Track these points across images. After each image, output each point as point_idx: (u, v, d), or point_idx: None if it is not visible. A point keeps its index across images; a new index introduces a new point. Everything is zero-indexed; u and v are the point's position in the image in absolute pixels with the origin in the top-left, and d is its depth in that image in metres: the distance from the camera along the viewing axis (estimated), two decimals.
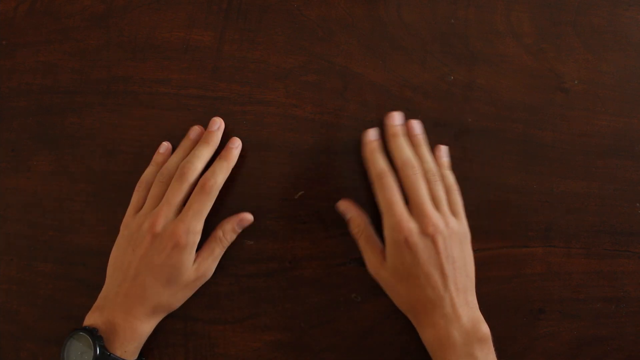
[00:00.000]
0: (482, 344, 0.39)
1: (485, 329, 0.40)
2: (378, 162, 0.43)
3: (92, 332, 0.40)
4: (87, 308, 0.43)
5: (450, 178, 0.44)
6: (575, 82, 0.47)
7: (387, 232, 0.41)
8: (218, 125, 0.46)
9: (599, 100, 0.47)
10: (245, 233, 0.46)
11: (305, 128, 0.47)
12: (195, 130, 0.46)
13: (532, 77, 0.47)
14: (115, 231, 0.46)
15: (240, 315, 0.46)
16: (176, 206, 0.42)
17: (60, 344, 0.41)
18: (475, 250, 0.45)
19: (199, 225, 0.42)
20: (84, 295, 0.46)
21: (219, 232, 0.44)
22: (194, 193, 0.43)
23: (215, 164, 0.44)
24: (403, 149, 0.43)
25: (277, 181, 0.46)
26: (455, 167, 0.46)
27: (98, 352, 0.39)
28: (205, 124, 0.47)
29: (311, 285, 0.46)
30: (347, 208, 0.45)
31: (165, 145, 0.47)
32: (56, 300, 0.47)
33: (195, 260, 0.43)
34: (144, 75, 0.48)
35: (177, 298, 0.43)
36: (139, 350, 0.43)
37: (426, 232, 0.40)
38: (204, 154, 0.44)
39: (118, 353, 0.40)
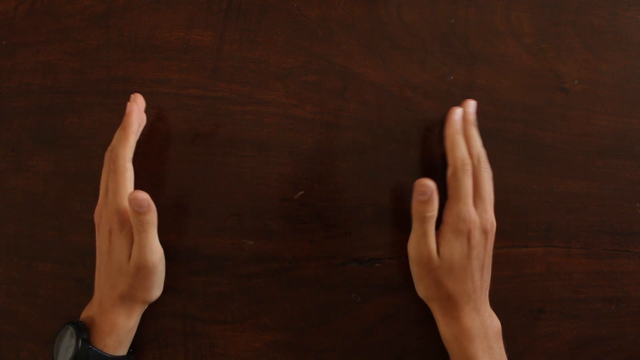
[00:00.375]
0: (497, 337, 0.41)
1: (498, 323, 0.42)
2: (462, 148, 0.44)
3: (77, 326, 0.41)
4: (91, 306, 0.43)
5: (488, 166, 0.45)
6: (575, 82, 0.47)
7: (451, 220, 0.42)
8: (130, 107, 0.45)
9: (599, 100, 0.47)
10: (246, 233, 0.46)
11: (305, 128, 0.47)
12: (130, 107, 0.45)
13: (532, 77, 0.47)
14: None
15: (240, 315, 0.46)
16: (104, 194, 0.43)
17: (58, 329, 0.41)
18: None
19: (123, 201, 0.41)
20: (84, 295, 0.46)
21: (131, 220, 0.42)
22: (109, 175, 0.43)
23: (114, 137, 0.44)
24: (477, 139, 0.44)
25: (277, 181, 0.46)
26: None
27: (80, 345, 0.40)
28: (205, 124, 0.47)
29: (311, 285, 0.46)
30: (430, 187, 0.41)
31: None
32: (56, 300, 0.47)
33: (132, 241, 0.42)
34: (144, 75, 0.48)
35: (135, 287, 0.42)
36: (124, 345, 0.43)
37: (485, 228, 0.42)
38: (128, 138, 0.44)
39: (99, 346, 0.41)
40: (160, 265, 0.43)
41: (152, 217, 0.41)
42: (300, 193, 0.46)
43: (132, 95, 0.46)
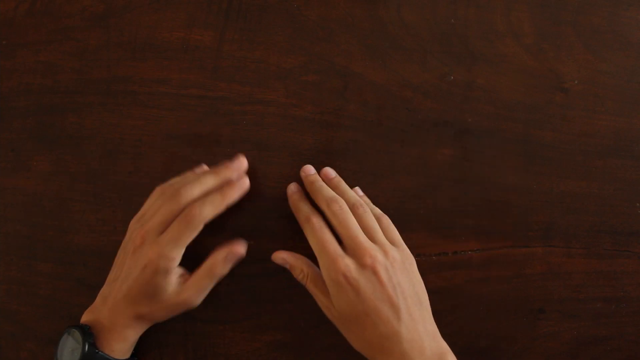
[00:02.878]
0: None
1: (452, 359, 0.38)
2: (302, 208, 0.42)
3: (84, 329, 0.40)
4: (87, 308, 0.43)
5: (377, 209, 0.44)
6: (575, 82, 0.47)
7: (324, 274, 0.39)
8: (238, 164, 0.45)
9: (599, 100, 0.47)
10: (246, 233, 0.46)
11: (305, 128, 0.47)
12: (229, 169, 0.44)
13: (532, 77, 0.47)
14: (115, 231, 0.46)
15: (240, 315, 0.46)
16: (161, 224, 0.41)
17: (63, 331, 0.41)
18: (475, 250, 0.45)
19: (173, 252, 0.40)
20: (84, 295, 0.46)
21: (209, 262, 0.42)
22: (177, 219, 0.41)
23: (209, 195, 0.42)
24: (323, 189, 0.42)
25: (277, 181, 0.46)
26: (455, 167, 0.46)
27: (87, 348, 0.39)
28: (205, 124, 0.47)
29: None
30: (284, 258, 0.43)
31: (204, 168, 0.46)
32: (56, 300, 0.47)
33: (180, 284, 0.42)
34: (144, 75, 0.48)
35: (157, 314, 0.42)
36: (130, 351, 0.43)
37: (364, 264, 0.38)
38: (208, 182, 0.43)
39: (106, 351, 0.40)
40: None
41: (225, 268, 0.43)
42: None
43: (243, 161, 0.45)
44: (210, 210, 0.41)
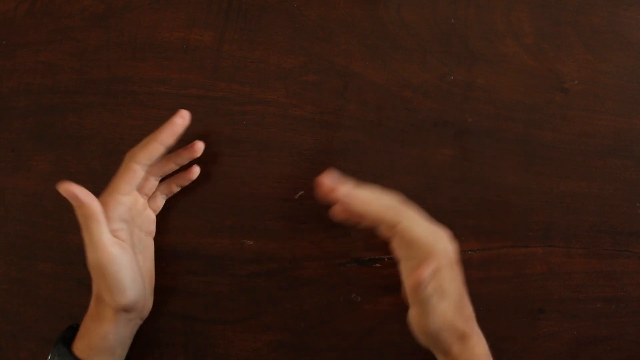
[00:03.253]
0: None
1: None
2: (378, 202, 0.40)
3: (70, 328, 0.41)
4: (87, 308, 0.43)
5: None
6: (575, 82, 0.47)
7: (441, 251, 0.38)
8: (177, 119, 0.43)
9: (599, 100, 0.47)
10: (246, 233, 0.46)
11: (305, 128, 0.47)
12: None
13: (532, 77, 0.47)
14: None
15: (240, 315, 0.46)
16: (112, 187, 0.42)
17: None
18: (475, 250, 0.45)
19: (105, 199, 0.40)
20: (84, 295, 0.46)
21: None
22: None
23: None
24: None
25: (277, 181, 0.46)
26: (455, 167, 0.46)
27: (57, 349, 0.39)
28: (205, 124, 0.47)
29: (311, 285, 0.46)
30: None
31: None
32: (56, 300, 0.47)
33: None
34: (144, 75, 0.48)
35: (99, 287, 0.40)
36: (97, 355, 0.40)
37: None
38: (154, 147, 0.42)
39: (76, 352, 0.40)
40: (114, 264, 0.39)
41: (90, 211, 0.39)
42: (300, 193, 0.46)
43: (183, 112, 0.43)
44: (136, 146, 0.41)
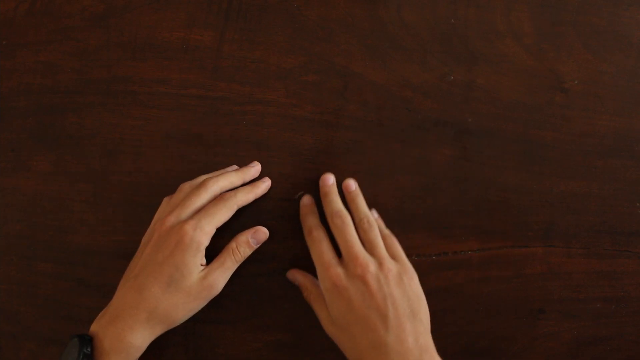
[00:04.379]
0: None
1: None
2: (308, 221, 0.44)
3: (83, 339, 0.38)
4: (87, 308, 0.43)
5: (387, 230, 0.44)
6: (575, 82, 0.47)
7: (321, 285, 0.41)
8: (255, 166, 0.46)
9: (599, 100, 0.47)
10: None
11: (305, 128, 0.47)
12: (233, 167, 0.47)
13: (532, 77, 0.47)
14: (116, 231, 0.46)
15: (240, 315, 0.46)
16: (190, 211, 0.41)
17: (60, 344, 0.41)
18: (475, 250, 0.45)
19: (208, 227, 0.40)
20: (84, 295, 0.46)
21: (232, 244, 0.43)
22: (212, 202, 0.42)
23: (242, 187, 0.44)
24: (332, 203, 0.43)
25: (277, 181, 0.46)
26: (455, 167, 0.46)
27: (81, 358, 0.37)
28: (205, 124, 0.47)
29: None
30: (294, 276, 0.45)
31: (234, 167, 0.46)
32: (56, 300, 0.47)
33: (203, 270, 0.41)
34: (144, 75, 0.48)
35: (177, 307, 0.40)
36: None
37: (354, 273, 0.39)
38: (233, 178, 0.44)
39: None
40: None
41: (248, 250, 0.44)
42: (300, 193, 0.46)
43: (258, 166, 0.46)
44: (242, 196, 0.43)
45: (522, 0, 0.48)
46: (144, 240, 0.43)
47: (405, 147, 0.46)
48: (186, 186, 0.44)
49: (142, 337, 0.39)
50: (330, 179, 0.45)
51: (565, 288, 0.45)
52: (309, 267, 0.46)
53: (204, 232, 0.40)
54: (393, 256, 0.42)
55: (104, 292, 0.45)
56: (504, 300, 0.45)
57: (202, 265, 0.41)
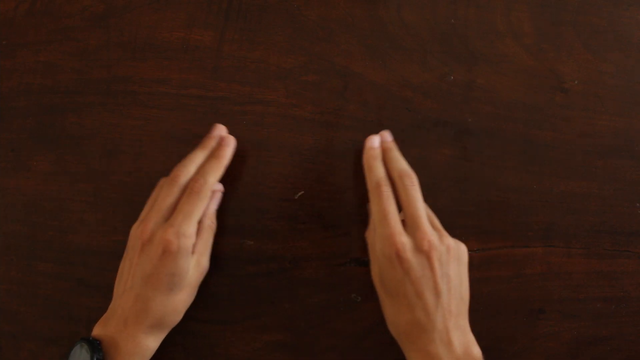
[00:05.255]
0: None
1: (477, 352, 0.38)
2: (377, 170, 0.42)
3: (94, 345, 0.38)
4: (87, 308, 0.43)
5: None
6: (575, 82, 0.47)
7: (378, 244, 0.40)
8: (217, 131, 0.45)
9: (599, 100, 0.47)
10: (246, 233, 0.46)
11: (305, 128, 0.47)
12: (217, 129, 0.46)
13: (532, 77, 0.47)
14: (115, 231, 0.46)
15: (240, 315, 0.46)
16: (165, 211, 0.40)
17: (60, 344, 0.41)
18: (475, 250, 0.45)
19: (190, 228, 0.40)
20: (84, 295, 0.46)
21: (206, 221, 0.43)
22: (184, 196, 0.41)
23: (205, 163, 0.43)
24: (399, 160, 0.43)
25: (277, 181, 0.46)
26: (455, 167, 0.46)
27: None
28: (205, 124, 0.47)
29: (311, 285, 0.46)
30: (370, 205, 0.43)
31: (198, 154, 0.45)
32: (56, 300, 0.47)
33: (193, 257, 0.41)
34: (144, 75, 0.48)
35: (183, 302, 0.41)
36: None
37: (421, 248, 0.38)
38: (198, 157, 0.43)
39: None
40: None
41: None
42: (300, 193, 0.46)
43: (221, 129, 0.45)
44: (212, 176, 0.42)
45: (522, 0, 0.48)
46: (129, 243, 0.42)
47: (405, 147, 0.46)
48: (161, 180, 0.44)
49: (156, 339, 0.41)
50: (389, 135, 0.45)
51: (565, 288, 0.45)
52: (310, 267, 0.46)
53: (187, 235, 0.40)
54: (422, 225, 0.41)
55: (104, 292, 0.45)
56: (504, 300, 0.45)
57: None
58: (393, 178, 0.42)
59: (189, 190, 0.41)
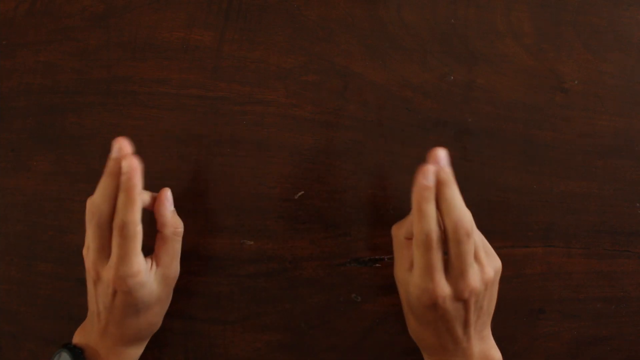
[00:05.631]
0: None
1: (496, 356, 0.39)
2: (429, 219, 0.36)
3: (76, 354, 0.38)
4: (87, 308, 0.43)
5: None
6: (575, 82, 0.47)
7: (414, 291, 0.37)
8: (117, 151, 0.39)
9: (599, 100, 0.47)
10: (246, 233, 0.46)
11: (305, 128, 0.47)
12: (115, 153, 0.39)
13: (532, 77, 0.47)
14: None
15: (240, 315, 0.46)
16: (101, 251, 0.38)
17: (60, 344, 0.41)
18: None
19: (133, 267, 0.37)
20: (84, 295, 0.46)
21: (169, 229, 0.41)
22: (113, 238, 0.37)
23: (118, 199, 0.38)
24: (455, 204, 0.36)
25: (277, 181, 0.46)
26: (455, 167, 0.46)
27: None
28: (205, 124, 0.47)
29: (311, 285, 0.46)
30: (402, 228, 0.41)
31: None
32: (56, 300, 0.47)
33: (157, 272, 0.40)
34: (144, 75, 0.48)
35: (158, 315, 0.42)
36: None
37: (461, 297, 0.37)
38: (106, 185, 0.38)
39: None
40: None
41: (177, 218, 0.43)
42: (300, 193, 0.46)
43: (119, 143, 0.39)
44: (129, 214, 0.37)
45: (522, 0, 0.48)
46: (88, 275, 0.41)
47: (405, 147, 0.46)
48: (87, 209, 0.39)
49: (137, 348, 0.42)
50: (444, 157, 0.38)
51: (565, 288, 0.45)
52: (310, 267, 0.46)
53: (133, 274, 0.37)
54: (487, 252, 0.39)
55: None
56: (504, 300, 0.45)
57: (149, 270, 0.40)
58: (445, 225, 0.37)
59: (114, 232, 0.37)
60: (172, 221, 0.41)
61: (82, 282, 0.46)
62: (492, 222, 0.46)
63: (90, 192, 0.47)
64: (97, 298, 0.40)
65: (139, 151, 0.47)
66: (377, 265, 0.46)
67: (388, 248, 0.46)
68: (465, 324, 0.38)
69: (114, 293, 0.38)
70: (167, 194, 0.42)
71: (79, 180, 0.47)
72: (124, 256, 0.37)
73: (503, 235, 0.46)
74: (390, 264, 0.45)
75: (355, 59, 0.47)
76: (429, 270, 0.36)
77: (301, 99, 0.47)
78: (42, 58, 0.49)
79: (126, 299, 0.38)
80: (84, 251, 0.40)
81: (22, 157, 0.48)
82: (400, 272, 0.41)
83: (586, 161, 0.46)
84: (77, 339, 0.41)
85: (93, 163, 0.47)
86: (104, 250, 0.38)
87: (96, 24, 0.49)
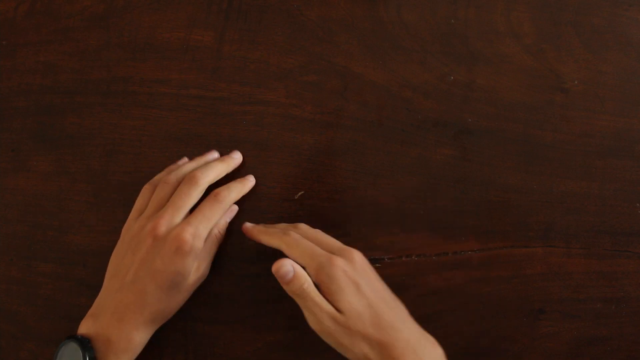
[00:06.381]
0: None
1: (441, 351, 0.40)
2: (273, 229, 0.42)
3: (83, 343, 0.38)
4: (87, 308, 0.43)
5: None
6: (575, 82, 0.47)
7: (323, 276, 0.38)
8: (237, 156, 0.46)
9: (599, 100, 0.47)
10: None
11: (305, 128, 0.47)
12: (212, 153, 0.46)
13: (532, 77, 0.47)
14: (116, 231, 0.46)
15: (240, 315, 0.46)
16: (183, 210, 0.41)
17: (60, 344, 0.41)
18: (475, 250, 0.45)
19: (205, 232, 0.41)
20: (84, 295, 0.46)
21: (215, 230, 0.43)
22: (205, 200, 0.42)
23: (231, 183, 0.44)
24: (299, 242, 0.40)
25: (277, 181, 0.46)
26: (455, 167, 0.46)
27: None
28: (205, 124, 0.47)
29: None
30: (287, 267, 0.39)
31: (185, 159, 0.46)
32: (56, 300, 0.47)
33: (198, 259, 0.42)
34: (144, 75, 0.48)
35: (178, 304, 0.42)
36: (134, 358, 0.41)
37: (352, 262, 0.39)
38: (219, 168, 0.44)
39: None
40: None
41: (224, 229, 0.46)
42: (300, 193, 0.46)
43: (240, 156, 0.46)
44: (235, 195, 0.43)
45: (522, 0, 0.48)
46: (127, 236, 0.42)
47: (405, 147, 0.46)
48: (171, 178, 0.43)
49: (146, 335, 0.41)
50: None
51: (565, 288, 0.45)
52: None
53: (201, 238, 0.41)
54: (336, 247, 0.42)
55: None
56: (504, 300, 0.45)
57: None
58: (281, 248, 0.41)
59: (214, 196, 0.42)
60: (222, 226, 0.44)
61: (82, 282, 0.46)
62: (492, 222, 0.46)
63: (91, 192, 0.47)
64: (142, 263, 0.40)
65: (139, 151, 0.47)
66: (377, 265, 0.45)
67: (388, 248, 0.46)
68: (384, 297, 0.40)
69: (175, 251, 0.39)
70: (235, 209, 0.45)
71: (79, 180, 0.47)
72: (209, 218, 0.41)
73: (503, 235, 0.46)
74: (390, 264, 0.45)
75: (355, 59, 0.47)
76: (313, 251, 0.39)
77: (301, 99, 0.47)
78: (42, 58, 0.49)
79: (179, 262, 0.39)
80: (132, 219, 0.43)
81: (22, 157, 0.48)
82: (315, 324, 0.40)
83: (586, 161, 0.46)
84: (84, 329, 0.40)
85: (93, 163, 0.47)
86: (182, 211, 0.41)
87: (96, 24, 0.49)
